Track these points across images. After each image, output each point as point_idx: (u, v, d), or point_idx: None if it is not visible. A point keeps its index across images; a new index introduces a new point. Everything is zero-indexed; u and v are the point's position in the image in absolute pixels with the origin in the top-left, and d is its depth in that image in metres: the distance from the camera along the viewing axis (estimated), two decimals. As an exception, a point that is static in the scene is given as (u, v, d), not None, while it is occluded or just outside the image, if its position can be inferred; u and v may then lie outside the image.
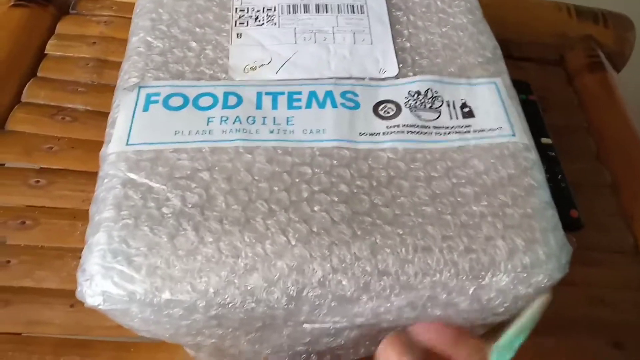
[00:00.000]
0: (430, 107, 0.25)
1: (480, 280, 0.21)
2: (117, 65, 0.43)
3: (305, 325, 0.22)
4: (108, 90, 0.42)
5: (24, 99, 0.41)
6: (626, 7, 0.52)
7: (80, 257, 0.34)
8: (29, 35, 0.44)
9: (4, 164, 0.39)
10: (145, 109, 0.24)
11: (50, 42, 0.44)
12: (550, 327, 0.34)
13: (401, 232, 0.21)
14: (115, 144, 0.23)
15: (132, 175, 0.22)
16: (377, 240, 0.21)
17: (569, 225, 0.36)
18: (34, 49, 0.43)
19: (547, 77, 0.50)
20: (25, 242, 0.35)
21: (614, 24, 0.50)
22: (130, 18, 0.45)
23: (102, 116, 0.41)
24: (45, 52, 0.44)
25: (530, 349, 0.32)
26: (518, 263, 0.21)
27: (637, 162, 0.43)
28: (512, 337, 0.20)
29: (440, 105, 0.25)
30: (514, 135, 0.25)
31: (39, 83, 0.42)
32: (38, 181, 0.37)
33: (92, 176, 0.38)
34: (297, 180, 0.22)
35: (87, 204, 0.36)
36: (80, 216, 0.36)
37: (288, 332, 0.23)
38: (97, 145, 0.39)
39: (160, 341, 0.32)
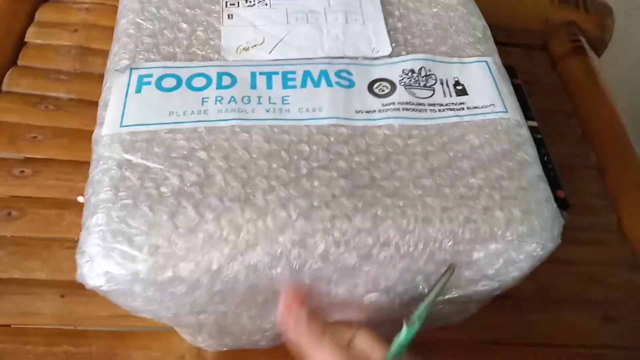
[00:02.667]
0: (424, 85, 0.26)
1: (479, 249, 0.21)
2: (100, 53, 0.43)
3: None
4: (92, 78, 0.42)
5: (5, 87, 0.40)
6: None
7: (69, 247, 0.34)
8: (9, 23, 0.42)
9: (-15, 155, 0.38)
10: (138, 90, 0.24)
11: (30, 29, 0.43)
12: (542, 303, 0.35)
13: (402, 204, 0.21)
14: (108, 126, 0.23)
15: (128, 157, 0.22)
16: (379, 213, 0.21)
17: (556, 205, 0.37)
18: (14, 37, 0.42)
19: (531, 62, 0.50)
20: (12, 233, 0.34)
21: (595, 10, 0.51)
22: (112, 5, 0.45)
23: (86, 104, 0.40)
24: (25, 39, 0.43)
25: (521, 325, 0.34)
26: (514, 232, 0.21)
27: (621, 143, 0.44)
28: (423, 309, 0.20)
29: (434, 84, 0.26)
30: (506, 112, 0.25)
31: (20, 71, 0.41)
32: (23, 171, 0.37)
33: (78, 165, 0.38)
34: (295, 157, 0.22)
35: (74, 194, 0.36)
36: (67, 205, 0.35)
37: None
38: (82, 134, 0.39)
39: (155, 330, 0.32)
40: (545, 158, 0.40)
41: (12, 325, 0.32)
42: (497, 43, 0.34)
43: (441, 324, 0.29)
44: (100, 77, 0.41)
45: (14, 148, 0.38)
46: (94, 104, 0.39)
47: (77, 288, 0.32)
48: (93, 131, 0.38)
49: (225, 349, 0.28)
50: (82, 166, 0.37)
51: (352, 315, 0.23)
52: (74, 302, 0.32)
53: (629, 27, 0.58)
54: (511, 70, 0.45)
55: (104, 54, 0.42)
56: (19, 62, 0.41)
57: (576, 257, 0.37)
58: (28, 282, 0.33)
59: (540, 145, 0.40)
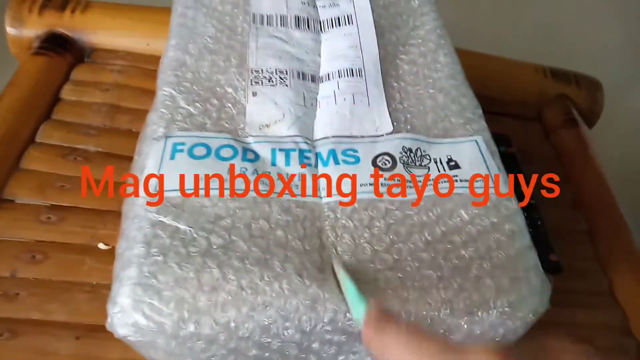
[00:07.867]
0: (420, 164, 0.29)
1: (473, 316, 0.23)
2: (129, 111, 0.47)
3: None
4: (118, 133, 0.45)
5: (38, 139, 0.43)
6: (594, 71, 0.58)
7: (87, 291, 0.36)
8: (46, 81, 0.46)
9: (14, 200, 0.40)
10: (172, 157, 0.27)
11: (65, 87, 0.47)
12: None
13: (401, 276, 0.24)
14: (144, 190, 0.26)
15: (161, 218, 0.24)
16: (381, 284, 0.23)
17: (549, 268, 0.39)
18: (50, 94, 0.46)
19: (526, 132, 0.54)
20: (35, 276, 0.36)
21: (586, 85, 0.55)
22: (142, 68, 0.49)
23: (112, 157, 0.44)
24: (60, 96, 0.46)
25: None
26: (505, 300, 0.24)
27: (611, 210, 0.46)
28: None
29: (429, 162, 0.29)
30: (494, 187, 0.28)
31: (54, 125, 0.44)
32: (49, 217, 0.39)
33: (101, 214, 0.40)
34: (308, 231, 0.25)
35: (96, 240, 0.39)
36: (89, 251, 0.38)
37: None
38: (106, 185, 0.42)
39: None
40: (539, 223, 0.42)
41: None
42: (493, 113, 0.36)
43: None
44: (127, 132, 0.45)
45: (42, 196, 0.40)
46: (119, 157, 0.44)
47: (92, 331, 0.35)
48: (118, 182, 0.42)
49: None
50: (104, 215, 0.40)
51: None
52: (88, 344, 0.34)
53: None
54: (506, 139, 0.48)
55: (131, 111, 0.47)
56: (53, 116, 0.45)
57: (567, 320, 0.39)
58: (46, 324, 0.35)
59: (534, 210, 0.43)
